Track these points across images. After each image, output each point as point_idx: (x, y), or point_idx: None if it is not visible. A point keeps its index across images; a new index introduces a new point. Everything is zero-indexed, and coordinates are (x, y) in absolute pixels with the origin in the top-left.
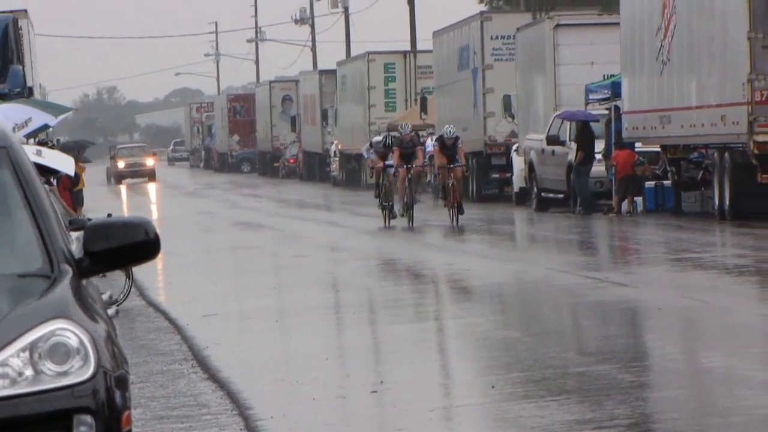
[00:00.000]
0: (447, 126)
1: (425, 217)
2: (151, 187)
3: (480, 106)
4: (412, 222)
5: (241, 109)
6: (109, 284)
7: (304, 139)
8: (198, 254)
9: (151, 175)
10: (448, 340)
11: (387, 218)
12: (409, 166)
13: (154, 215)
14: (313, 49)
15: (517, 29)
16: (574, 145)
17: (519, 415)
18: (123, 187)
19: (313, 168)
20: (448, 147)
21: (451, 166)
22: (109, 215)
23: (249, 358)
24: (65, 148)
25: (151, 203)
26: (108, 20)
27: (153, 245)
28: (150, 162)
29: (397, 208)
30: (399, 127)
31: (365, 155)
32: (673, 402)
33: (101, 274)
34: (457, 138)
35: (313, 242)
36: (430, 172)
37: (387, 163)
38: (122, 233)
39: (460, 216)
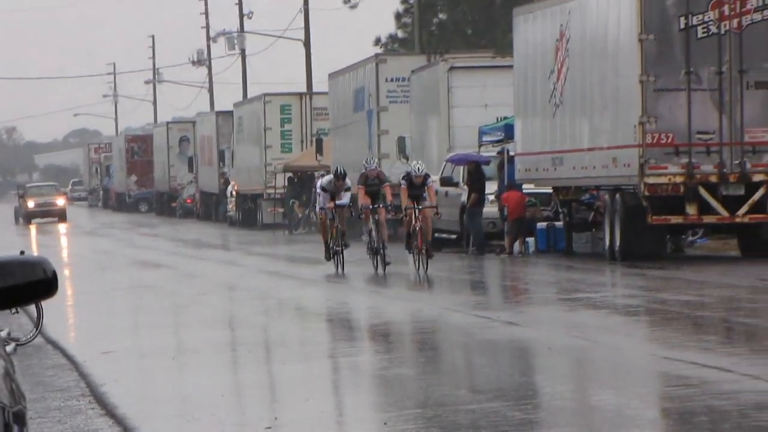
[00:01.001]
0: (415, 162)
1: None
2: (61, 228)
3: (375, 148)
4: (384, 267)
5: (139, 149)
6: (7, 322)
7: (201, 180)
8: (96, 293)
9: (61, 216)
10: (341, 377)
11: (379, 264)
12: (375, 206)
13: (55, 253)
14: (210, 90)
15: (412, 72)
16: (466, 187)
17: None
18: (33, 228)
19: (210, 207)
20: (416, 186)
21: (420, 207)
22: (22, 252)
23: (146, 394)
24: None
25: (54, 241)
26: (6, 60)
27: (50, 284)
28: (61, 202)
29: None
30: (364, 162)
31: (319, 203)
32: None
33: (12, 310)
34: (427, 176)
35: (211, 281)
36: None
37: (338, 203)
38: (20, 272)
39: (429, 261)
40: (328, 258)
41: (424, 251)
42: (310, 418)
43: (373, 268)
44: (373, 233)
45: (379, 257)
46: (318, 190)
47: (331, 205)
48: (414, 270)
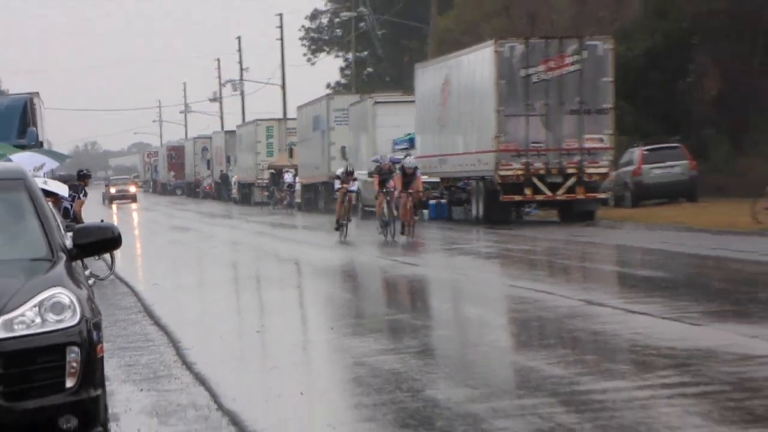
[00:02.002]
0: (408, 156)
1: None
2: (130, 206)
3: (326, 153)
4: (393, 236)
5: (176, 155)
6: (91, 264)
7: (214, 174)
8: (149, 247)
9: (133, 198)
10: (304, 300)
11: (389, 233)
12: (389, 190)
13: (125, 221)
14: (221, 117)
15: (350, 105)
16: (363, 175)
17: (349, 346)
18: (114, 206)
19: (221, 192)
20: (407, 175)
21: (410, 191)
22: (102, 221)
23: (179, 311)
24: (63, 179)
25: (122, 213)
26: (92, 96)
27: (117, 241)
28: (132, 189)
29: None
30: (380, 158)
31: (337, 185)
32: (446, 337)
33: (95, 258)
34: (416, 168)
35: (221, 239)
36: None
37: (350, 188)
38: (98, 233)
39: (410, 231)
40: (336, 229)
41: (409, 222)
42: (285, 325)
43: (383, 237)
44: (385, 210)
45: (388, 228)
46: (336, 179)
47: (344, 189)
48: (401, 235)
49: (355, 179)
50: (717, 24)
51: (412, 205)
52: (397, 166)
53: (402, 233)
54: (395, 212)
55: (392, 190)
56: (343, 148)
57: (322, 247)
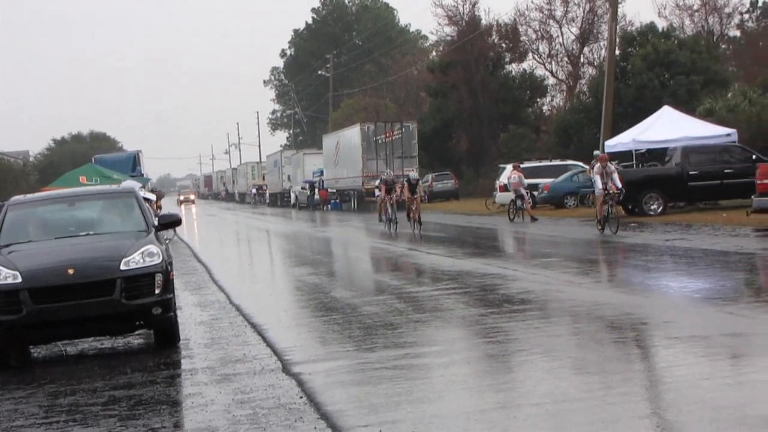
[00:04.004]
0: (412, 171)
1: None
2: (191, 207)
3: (280, 178)
4: (395, 229)
5: (207, 179)
6: (168, 234)
7: (228, 188)
8: (201, 226)
9: (193, 202)
10: (283, 283)
11: (392, 227)
12: (391, 195)
13: (188, 214)
14: (230, 161)
15: (292, 154)
16: (297, 187)
17: (294, 272)
18: (183, 206)
19: (231, 197)
20: (413, 185)
21: (415, 196)
22: (174, 214)
23: (212, 256)
24: (154, 192)
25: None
26: (158, 142)
27: (180, 222)
28: (192, 196)
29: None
30: (384, 174)
31: (377, 193)
32: (340, 266)
33: (169, 230)
34: (418, 180)
35: (227, 218)
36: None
37: (377, 195)
38: (170, 218)
39: (421, 226)
40: (380, 221)
41: (417, 220)
42: (261, 263)
43: (387, 229)
44: (389, 211)
45: (392, 223)
46: (378, 186)
47: (384, 194)
48: (411, 230)
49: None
50: (466, 116)
51: (419, 206)
52: (404, 179)
53: (414, 229)
54: (395, 212)
55: (398, 195)
56: (288, 177)
57: (277, 221)
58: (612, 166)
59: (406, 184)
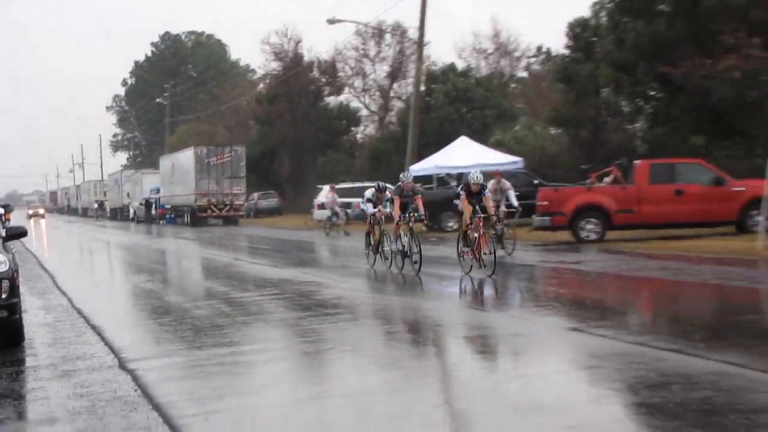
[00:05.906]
0: (475, 172)
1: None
2: (40, 220)
3: (120, 194)
4: (410, 266)
5: (52, 195)
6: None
7: (71, 203)
8: (42, 235)
9: (42, 216)
10: (121, 289)
11: (406, 264)
12: (407, 215)
13: (30, 225)
14: (74, 179)
15: (132, 174)
16: (136, 203)
17: (133, 279)
18: (32, 220)
19: (73, 211)
20: (474, 194)
21: (407, 213)
22: (20, 226)
23: (58, 263)
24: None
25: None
26: (5, 161)
27: (26, 233)
28: (41, 210)
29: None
30: (402, 176)
31: (364, 209)
32: (173, 275)
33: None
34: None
35: (68, 230)
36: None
37: (370, 212)
38: (17, 230)
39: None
40: (366, 248)
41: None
42: (102, 270)
43: (395, 266)
44: (403, 239)
45: (407, 259)
46: (364, 201)
47: (381, 212)
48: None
49: (388, 199)
50: (289, 142)
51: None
52: (457, 184)
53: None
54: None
55: (416, 215)
56: (128, 193)
57: (118, 234)
58: (507, 183)
59: (463, 194)
